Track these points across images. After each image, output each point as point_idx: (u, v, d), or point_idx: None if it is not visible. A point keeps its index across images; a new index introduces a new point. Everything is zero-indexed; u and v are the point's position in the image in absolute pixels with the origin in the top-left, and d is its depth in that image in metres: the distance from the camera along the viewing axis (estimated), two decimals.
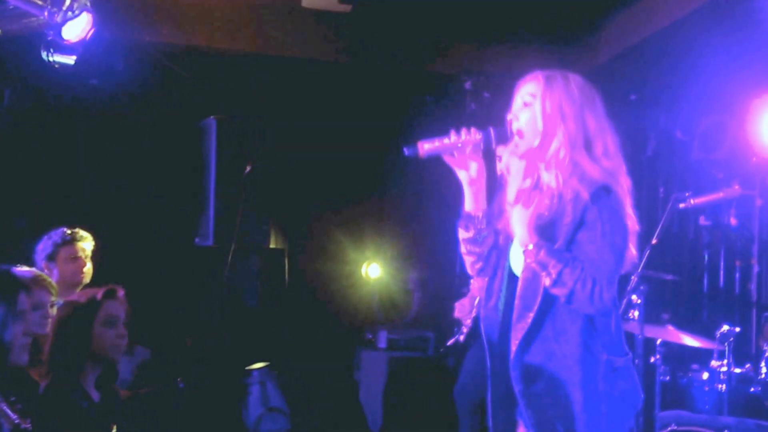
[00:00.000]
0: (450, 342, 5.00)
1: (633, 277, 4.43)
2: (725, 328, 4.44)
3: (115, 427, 3.37)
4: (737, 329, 4.44)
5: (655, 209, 5.83)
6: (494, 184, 2.88)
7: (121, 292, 3.48)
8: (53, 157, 5.74)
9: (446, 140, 2.71)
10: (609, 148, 2.69)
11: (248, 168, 5.56)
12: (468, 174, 2.75)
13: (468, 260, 2.86)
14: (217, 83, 5.93)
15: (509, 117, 2.74)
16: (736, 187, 4.87)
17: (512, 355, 2.65)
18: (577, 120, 2.67)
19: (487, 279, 2.85)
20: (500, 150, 2.81)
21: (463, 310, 4.77)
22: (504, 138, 2.73)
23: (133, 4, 5.52)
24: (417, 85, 6.44)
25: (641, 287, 4.39)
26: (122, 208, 5.89)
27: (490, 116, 2.99)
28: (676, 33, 5.23)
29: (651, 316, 4.55)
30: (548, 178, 2.67)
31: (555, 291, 2.58)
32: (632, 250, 2.69)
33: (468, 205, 2.80)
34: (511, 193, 2.79)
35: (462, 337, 4.81)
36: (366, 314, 6.90)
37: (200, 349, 5.52)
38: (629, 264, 2.70)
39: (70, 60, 4.47)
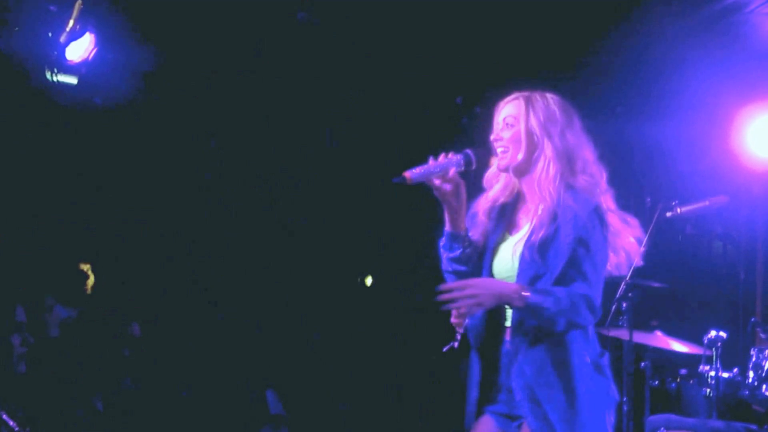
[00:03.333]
0: (445, 348, 5.06)
1: (621, 285, 4.54)
2: (712, 333, 4.49)
3: None
4: (724, 335, 4.50)
5: (643, 218, 5.87)
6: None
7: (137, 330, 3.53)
8: (55, 173, 5.83)
9: (428, 166, 2.77)
10: (588, 163, 2.82)
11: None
12: (450, 195, 2.80)
13: (452, 278, 2.92)
14: (217, 99, 6.03)
15: (492, 137, 2.85)
16: (722, 196, 4.98)
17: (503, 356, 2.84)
18: (559, 137, 2.78)
19: None
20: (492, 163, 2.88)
21: (459, 317, 4.85)
22: (483, 157, 2.83)
23: (132, 25, 5.60)
24: (414, 101, 6.52)
25: (629, 294, 4.45)
26: (124, 219, 5.98)
27: (483, 130, 3.08)
28: (663, 46, 5.31)
29: (640, 322, 4.60)
30: (540, 195, 2.76)
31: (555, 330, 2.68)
32: (629, 247, 2.84)
33: (450, 225, 2.87)
34: (483, 204, 2.89)
35: (456, 344, 4.89)
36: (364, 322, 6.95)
37: (203, 359, 5.60)
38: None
39: (73, 79, 4.57)
